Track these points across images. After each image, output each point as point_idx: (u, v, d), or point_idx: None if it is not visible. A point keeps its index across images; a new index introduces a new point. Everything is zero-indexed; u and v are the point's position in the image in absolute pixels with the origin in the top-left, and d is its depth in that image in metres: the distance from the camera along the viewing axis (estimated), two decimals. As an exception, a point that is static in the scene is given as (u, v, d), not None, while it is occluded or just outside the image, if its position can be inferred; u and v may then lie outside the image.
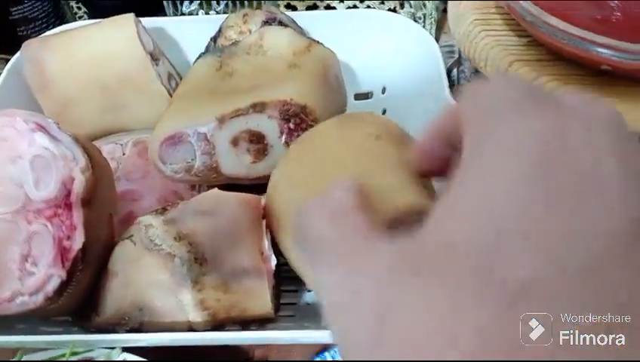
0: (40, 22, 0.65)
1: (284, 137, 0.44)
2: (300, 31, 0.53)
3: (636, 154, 0.17)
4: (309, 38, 0.50)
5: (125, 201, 0.47)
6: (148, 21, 0.54)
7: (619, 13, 0.36)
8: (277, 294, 0.44)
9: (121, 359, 0.39)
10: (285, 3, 0.74)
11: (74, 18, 0.72)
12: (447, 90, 0.50)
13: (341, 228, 0.19)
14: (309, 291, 0.46)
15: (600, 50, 0.35)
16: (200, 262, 0.38)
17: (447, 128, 0.20)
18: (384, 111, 0.57)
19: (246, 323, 0.42)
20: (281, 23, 0.51)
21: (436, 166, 0.21)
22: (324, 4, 0.74)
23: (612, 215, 0.15)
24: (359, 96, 0.58)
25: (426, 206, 0.32)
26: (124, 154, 0.49)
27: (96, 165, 0.39)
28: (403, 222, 0.29)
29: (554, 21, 0.35)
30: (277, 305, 0.44)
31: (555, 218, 0.15)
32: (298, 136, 0.44)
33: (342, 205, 0.20)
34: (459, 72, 0.70)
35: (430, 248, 0.16)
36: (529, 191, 0.15)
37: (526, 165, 0.16)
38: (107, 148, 0.49)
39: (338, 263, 0.18)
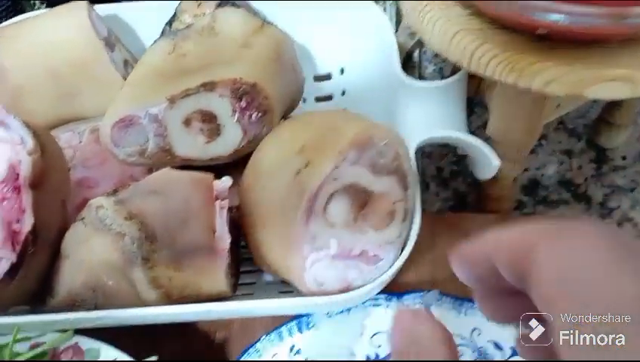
0: (-2, 18, 0.65)
1: (236, 116, 0.44)
2: (254, 12, 0.53)
3: None
4: (262, 19, 0.50)
5: (82, 188, 0.47)
6: (103, 8, 0.54)
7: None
8: (234, 274, 0.44)
9: (74, 342, 0.39)
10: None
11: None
12: (398, 68, 0.50)
13: None
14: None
15: (536, 13, 0.35)
16: (150, 240, 0.38)
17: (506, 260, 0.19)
18: (343, 92, 0.58)
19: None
20: (234, 5, 0.51)
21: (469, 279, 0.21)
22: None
23: None
24: (318, 78, 0.58)
25: (371, 133, 0.38)
26: (80, 142, 0.49)
27: (47, 149, 0.40)
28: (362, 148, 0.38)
29: (490, -13, 0.36)
30: (234, 285, 0.44)
31: None
32: (250, 115, 0.44)
33: None
34: (421, 53, 0.71)
35: None
36: None
37: None
38: (64, 137, 0.49)
39: None
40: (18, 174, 0.38)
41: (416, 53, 0.70)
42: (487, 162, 0.45)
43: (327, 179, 0.37)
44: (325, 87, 0.58)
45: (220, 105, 0.43)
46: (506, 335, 0.43)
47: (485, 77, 0.40)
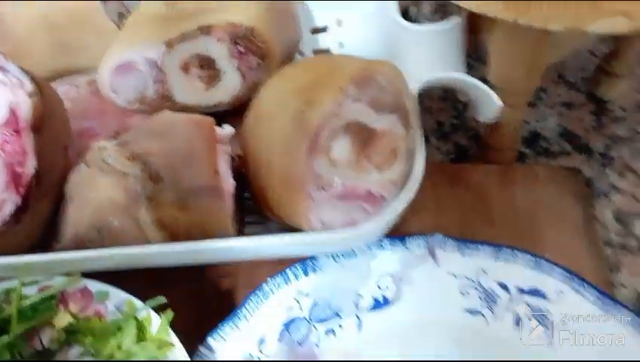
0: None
1: (235, 61, 0.43)
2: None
3: None
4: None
5: (82, 138, 0.46)
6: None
7: None
8: (239, 220, 0.44)
9: (82, 285, 0.39)
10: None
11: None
12: (397, 13, 0.50)
13: None
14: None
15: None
16: (155, 180, 0.38)
17: None
18: (341, 44, 0.57)
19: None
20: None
21: None
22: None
23: None
24: (315, 31, 0.58)
25: (372, 70, 0.39)
26: (78, 94, 0.49)
27: (45, 94, 0.39)
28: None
29: None
30: (240, 231, 0.44)
31: None
32: (249, 60, 0.44)
33: None
34: (418, 10, 0.70)
35: None
36: None
37: None
38: (62, 90, 0.48)
39: None
40: (18, 117, 0.37)
41: (412, 10, 0.70)
42: (490, 102, 0.45)
43: (329, 115, 0.37)
44: (322, 40, 0.58)
45: (218, 50, 0.43)
46: (512, 275, 0.43)
47: (486, 16, 0.40)
